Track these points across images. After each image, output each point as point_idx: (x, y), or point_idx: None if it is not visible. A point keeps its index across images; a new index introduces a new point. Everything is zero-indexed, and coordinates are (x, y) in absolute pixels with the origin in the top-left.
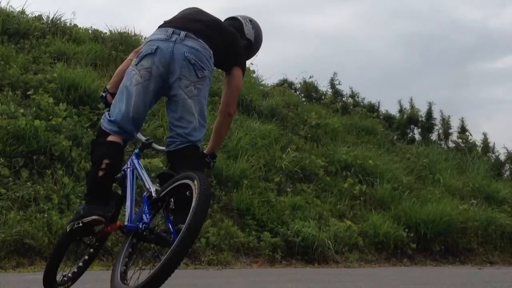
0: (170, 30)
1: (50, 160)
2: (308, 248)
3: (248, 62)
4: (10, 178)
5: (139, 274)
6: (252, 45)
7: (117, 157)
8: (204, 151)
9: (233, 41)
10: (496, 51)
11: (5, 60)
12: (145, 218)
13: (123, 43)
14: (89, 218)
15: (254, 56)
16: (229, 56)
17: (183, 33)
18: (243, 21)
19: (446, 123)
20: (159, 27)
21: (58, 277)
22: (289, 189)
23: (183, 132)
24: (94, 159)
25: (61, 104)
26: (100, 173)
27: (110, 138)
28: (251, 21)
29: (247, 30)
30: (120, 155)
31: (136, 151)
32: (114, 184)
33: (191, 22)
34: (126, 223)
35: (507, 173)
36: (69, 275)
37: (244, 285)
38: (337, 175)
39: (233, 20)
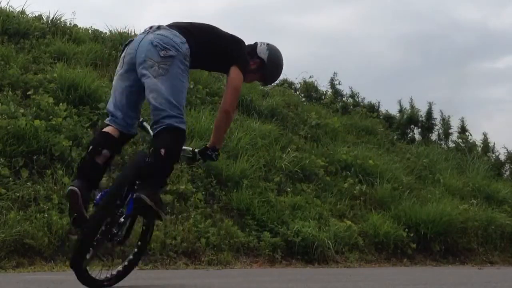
0: (149, 26)
1: (50, 160)
2: (308, 248)
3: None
4: (10, 178)
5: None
6: (265, 64)
7: (99, 145)
8: (207, 145)
9: (229, 44)
10: (496, 51)
11: (5, 60)
12: (98, 197)
13: (123, 43)
14: (67, 192)
15: (275, 81)
16: (226, 58)
17: (157, 25)
18: (258, 43)
19: (446, 123)
20: None
21: (103, 275)
22: (289, 189)
23: (158, 106)
24: None
25: (61, 104)
26: (86, 157)
27: (104, 129)
28: (268, 44)
29: (260, 49)
30: (104, 144)
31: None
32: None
33: (177, 23)
34: None
35: (507, 173)
36: (113, 273)
37: (244, 285)
38: (337, 175)
39: (251, 44)
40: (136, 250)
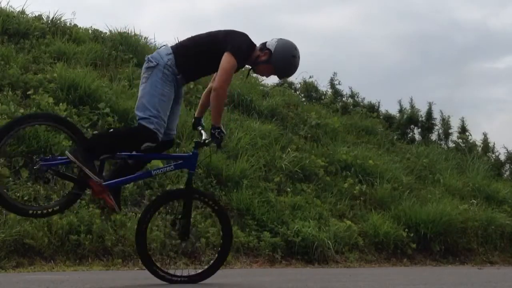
0: None
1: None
2: (308, 248)
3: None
4: (10, 178)
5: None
6: (272, 54)
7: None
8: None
9: (219, 40)
10: (496, 51)
11: (5, 60)
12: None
13: (123, 43)
14: None
15: (289, 74)
16: (220, 53)
17: (163, 45)
18: (270, 38)
19: (446, 123)
20: None
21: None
22: (289, 189)
23: (136, 110)
24: None
25: (61, 104)
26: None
27: None
28: (281, 39)
29: (270, 42)
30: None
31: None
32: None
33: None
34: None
35: (507, 173)
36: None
37: (244, 285)
38: (337, 175)
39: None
40: (217, 254)
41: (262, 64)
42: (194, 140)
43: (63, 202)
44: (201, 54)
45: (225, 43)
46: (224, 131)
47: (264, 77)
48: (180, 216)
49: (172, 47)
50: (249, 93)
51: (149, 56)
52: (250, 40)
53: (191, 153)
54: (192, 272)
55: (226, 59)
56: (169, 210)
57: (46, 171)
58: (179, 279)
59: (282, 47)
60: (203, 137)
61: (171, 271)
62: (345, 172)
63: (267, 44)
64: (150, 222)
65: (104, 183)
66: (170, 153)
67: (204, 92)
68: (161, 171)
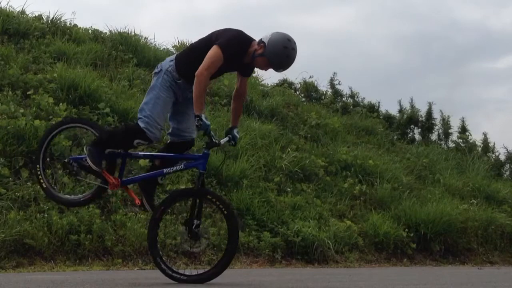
0: None
1: (50, 160)
2: (308, 248)
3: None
4: (10, 178)
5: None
6: (265, 46)
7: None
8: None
9: (215, 39)
10: (496, 51)
11: (5, 60)
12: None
13: (123, 43)
14: None
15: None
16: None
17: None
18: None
19: (446, 123)
20: None
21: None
22: (289, 189)
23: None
24: None
25: (61, 104)
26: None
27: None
28: (276, 32)
29: (265, 36)
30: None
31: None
32: None
33: None
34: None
35: (507, 173)
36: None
37: (244, 285)
38: (337, 175)
39: None
40: (223, 253)
41: (258, 57)
42: (205, 140)
43: (90, 194)
44: (199, 58)
45: (215, 41)
46: (205, 120)
47: (264, 76)
48: (192, 216)
49: (176, 53)
50: (249, 93)
51: (158, 64)
52: (243, 35)
53: (201, 154)
54: (193, 272)
55: (212, 50)
56: (169, 211)
57: (71, 163)
58: (179, 276)
59: (275, 38)
60: (221, 140)
61: (174, 267)
62: (345, 172)
63: (263, 38)
64: (163, 216)
65: (121, 180)
66: (189, 153)
67: (232, 98)
68: (173, 170)
